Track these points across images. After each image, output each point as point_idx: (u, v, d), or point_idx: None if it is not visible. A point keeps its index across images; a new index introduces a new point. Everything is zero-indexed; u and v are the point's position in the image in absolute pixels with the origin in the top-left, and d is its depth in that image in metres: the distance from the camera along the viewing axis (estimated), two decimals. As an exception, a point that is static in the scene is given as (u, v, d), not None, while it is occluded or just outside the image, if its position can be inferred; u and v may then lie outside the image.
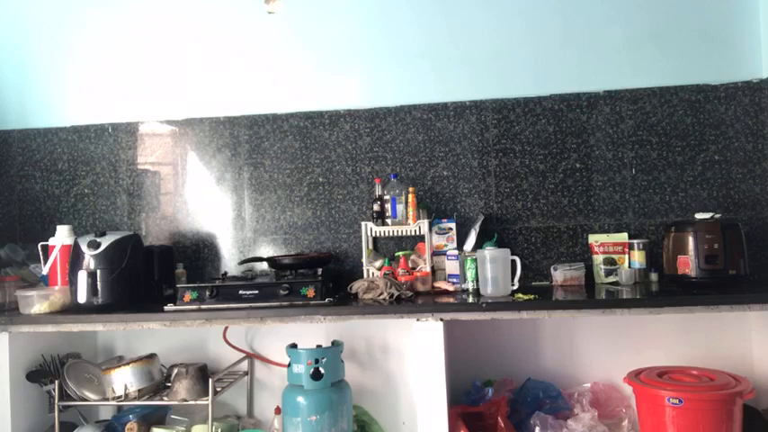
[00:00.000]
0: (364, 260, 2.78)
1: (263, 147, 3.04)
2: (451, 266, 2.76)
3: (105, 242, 2.51)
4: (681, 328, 2.71)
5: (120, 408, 2.75)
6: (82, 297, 2.47)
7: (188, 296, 2.46)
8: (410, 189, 2.77)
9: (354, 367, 2.83)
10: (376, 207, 2.77)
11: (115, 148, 3.13)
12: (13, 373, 2.47)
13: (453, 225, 2.81)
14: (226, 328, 2.88)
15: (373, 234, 2.81)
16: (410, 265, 2.74)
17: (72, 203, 3.13)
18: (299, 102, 3.03)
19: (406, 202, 2.76)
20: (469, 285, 2.61)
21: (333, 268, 2.89)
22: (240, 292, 2.46)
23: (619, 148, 2.87)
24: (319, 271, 2.60)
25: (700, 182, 2.82)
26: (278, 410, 2.65)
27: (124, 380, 2.51)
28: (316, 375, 2.48)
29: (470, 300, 2.44)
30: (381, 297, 2.45)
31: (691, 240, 2.44)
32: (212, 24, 3.08)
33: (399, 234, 2.79)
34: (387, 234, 2.80)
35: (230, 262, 3.02)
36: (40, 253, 2.73)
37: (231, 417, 2.85)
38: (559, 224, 2.88)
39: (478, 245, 2.71)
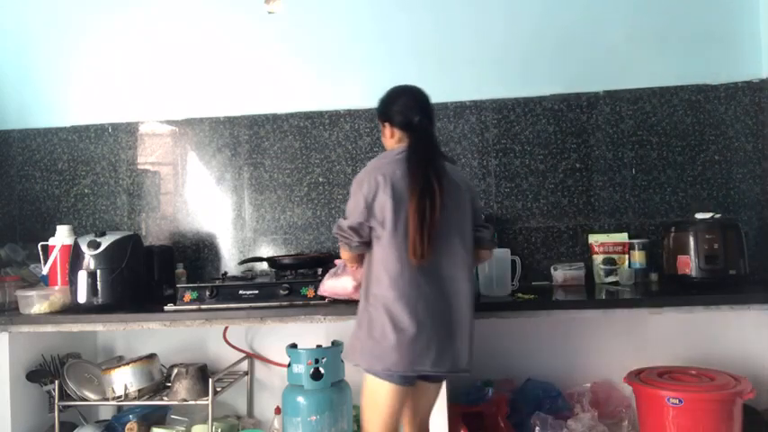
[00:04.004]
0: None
1: (263, 147, 3.04)
2: (451, 266, 2.75)
3: (105, 242, 2.51)
4: (681, 328, 2.71)
5: (120, 408, 2.75)
6: (82, 297, 2.47)
7: (188, 296, 2.45)
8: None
9: (354, 367, 2.82)
10: (376, 207, 2.77)
11: (115, 148, 3.13)
12: (13, 373, 2.47)
13: (453, 225, 2.81)
14: (226, 328, 2.88)
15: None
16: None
17: (72, 203, 3.13)
18: (299, 102, 3.03)
19: (406, 202, 2.76)
20: (469, 285, 2.61)
21: (333, 268, 2.89)
22: (240, 292, 2.46)
23: (619, 148, 2.87)
24: (319, 271, 2.60)
25: (700, 182, 2.82)
26: (278, 410, 2.65)
27: (124, 380, 2.51)
28: (316, 375, 2.47)
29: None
30: None
31: (691, 240, 2.44)
32: (212, 24, 3.08)
33: (399, 234, 2.78)
34: (387, 234, 2.80)
35: (230, 262, 3.02)
36: (40, 253, 2.73)
37: (231, 417, 2.85)
38: (559, 224, 2.88)
39: (478, 245, 2.71)
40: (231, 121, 3.07)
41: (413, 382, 1.95)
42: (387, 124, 2.06)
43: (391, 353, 1.86)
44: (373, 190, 1.90)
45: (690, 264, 2.44)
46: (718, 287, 2.37)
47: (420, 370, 1.88)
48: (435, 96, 2.88)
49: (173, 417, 2.74)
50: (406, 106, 2.02)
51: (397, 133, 2.03)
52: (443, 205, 1.88)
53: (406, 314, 1.86)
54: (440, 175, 1.90)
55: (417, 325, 1.86)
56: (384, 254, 1.91)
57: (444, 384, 2.15)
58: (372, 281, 1.94)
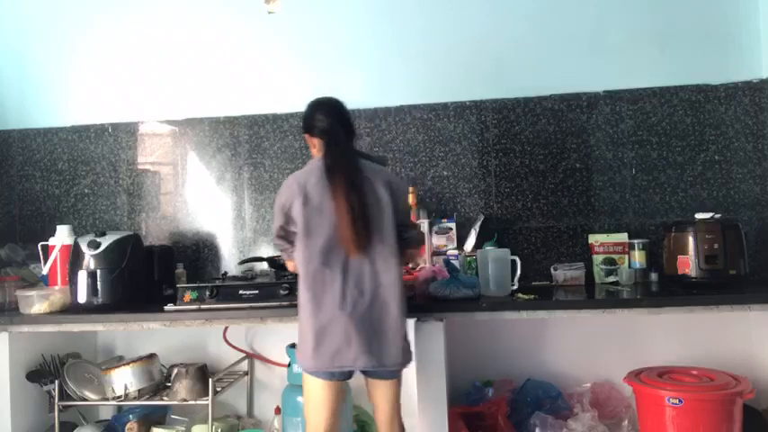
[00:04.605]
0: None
1: (263, 147, 3.04)
2: (451, 266, 2.75)
3: (105, 242, 2.51)
4: (681, 328, 2.71)
5: (120, 408, 2.76)
6: (82, 297, 2.47)
7: (188, 296, 2.45)
8: (410, 189, 2.76)
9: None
10: (376, 207, 2.77)
11: (115, 148, 3.13)
12: (13, 373, 2.48)
13: (453, 225, 2.81)
14: (226, 328, 2.88)
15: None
16: (410, 265, 2.73)
17: (72, 203, 3.13)
18: (299, 102, 2.99)
19: (406, 202, 2.76)
20: (469, 285, 2.61)
21: (333, 268, 2.88)
22: (240, 292, 2.46)
23: (619, 148, 2.87)
24: (319, 271, 2.59)
25: (700, 182, 2.82)
26: (278, 410, 2.65)
27: (124, 380, 2.51)
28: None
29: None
30: None
31: (691, 240, 2.44)
32: (212, 24, 3.08)
33: (399, 234, 2.78)
34: (387, 234, 2.80)
35: (230, 262, 3.02)
36: (40, 253, 2.73)
37: (231, 417, 2.85)
38: (559, 224, 2.88)
39: (478, 245, 2.71)
40: (231, 121, 3.07)
41: (342, 377, 2.03)
42: (307, 136, 2.19)
43: (312, 350, 1.96)
44: (290, 198, 2.04)
45: (690, 264, 2.44)
46: (718, 287, 2.37)
47: (340, 366, 1.96)
48: (435, 96, 2.95)
49: (173, 417, 2.74)
50: (322, 116, 2.14)
51: (318, 143, 2.14)
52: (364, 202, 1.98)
53: (319, 312, 1.96)
54: (358, 174, 2.02)
55: (331, 322, 1.95)
56: (299, 256, 2.02)
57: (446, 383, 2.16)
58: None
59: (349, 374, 2.05)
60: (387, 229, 2.02)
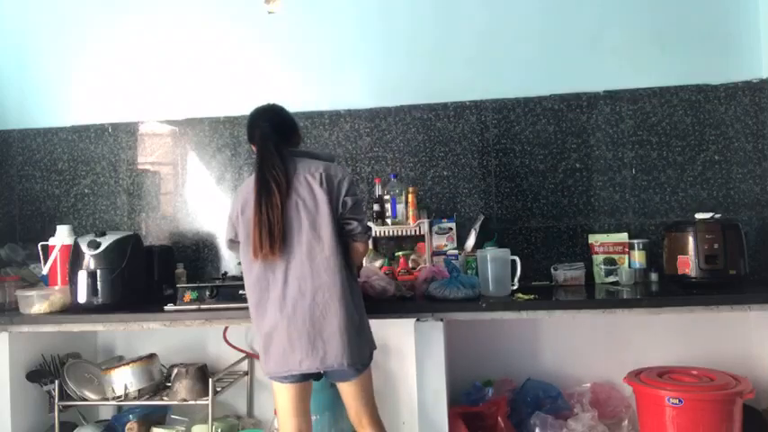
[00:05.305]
0: (364, 260, 2.77)
1: (263, 147, 3.04)
2: (451, 266, 2.75)
3: (105, 242, 2.51)
4: (681, 328, 2.71)
5: (120, 408, 2.76)
6: (82, 297, 2.47)
7: (188, 296, 2.45)
8: (410, 189, 2.77)
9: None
10: (376, 207, 2.77)
11: (115, 148, 3.13)
12: (13, 373, 2.48)
13: (453, 225, 2.81)
14: (226, 328, 2.87)
15: (373, 234, 2.81)
16: (410, 265, 2.73)
17: (72, 203, 3.13)
18: (299, 102, 3.02)
19: (406, 202, 2.76)
20: (469, 285, 2.61)
21: (333, 268, 2.88)
22: (240, 292, 2.44)
23: (619, 148, 2.87)
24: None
25: (700, 182, 2.82)
26: (278, 410, 2.65)
27: (124, 380, 2.51)
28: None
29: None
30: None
31: (691, 240, 2.44)
32: (212, 25, 3.08)
33: (399, 234, 2.78)
34: (387, 234, 2.80)
35: (230, 262, 3.02)
36: (40, 253, 2.73)
37: (231, 417, 2.85)
38: (559, 224, 2.88)
39: (478, 245, 2.71)
40: (231, 121, 3.07)
41: (301, 379, 2.02)
42: (251, 145, 2.16)
43: (263, 355, 1.98)
44: (236, 209, 2.07)
45: (690, 264, 2.44)
46: (718, 287, 2.37)
47: (288, 370, 1.94)
48: (435, 96, 2.95)
49: (173, 417, 2.74)
50: (254, 123, 2.12)
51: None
52: (286, 204, 1.95)
53: (264, 317, 1.97)
54: (279, 176, 1.96)
55: (274, 326, 1.94)
56: (242, 262, 2.04)
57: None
58: None
59: (306, 377, 2.02)
60: (323, 226, 1.95)
